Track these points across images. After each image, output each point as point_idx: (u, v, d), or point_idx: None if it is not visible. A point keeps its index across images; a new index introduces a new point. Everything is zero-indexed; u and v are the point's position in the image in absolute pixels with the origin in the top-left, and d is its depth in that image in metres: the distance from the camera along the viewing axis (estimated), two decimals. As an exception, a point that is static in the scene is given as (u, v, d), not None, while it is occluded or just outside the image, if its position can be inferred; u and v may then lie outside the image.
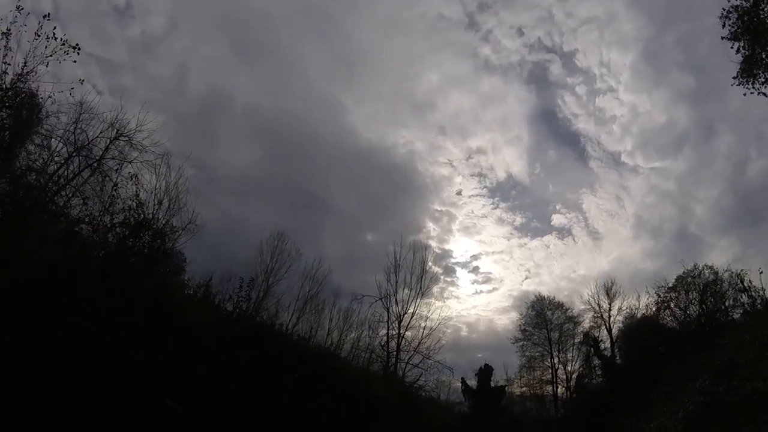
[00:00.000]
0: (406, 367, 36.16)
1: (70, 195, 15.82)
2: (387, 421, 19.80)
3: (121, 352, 13.01)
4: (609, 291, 46.36)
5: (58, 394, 11.52)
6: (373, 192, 73.37)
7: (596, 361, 47.41)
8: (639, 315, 37.51)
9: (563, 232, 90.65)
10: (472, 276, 79.83)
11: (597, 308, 46.96)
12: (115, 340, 13.06)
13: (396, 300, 37.61)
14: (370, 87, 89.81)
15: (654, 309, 33.04)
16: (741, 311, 26.36)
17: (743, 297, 27.13)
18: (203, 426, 13.56)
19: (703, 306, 28.79)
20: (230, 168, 52.83)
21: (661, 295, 31.75)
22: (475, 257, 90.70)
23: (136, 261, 15.41)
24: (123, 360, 12.96)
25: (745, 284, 27.03)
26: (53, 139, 16.13)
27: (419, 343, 36.73)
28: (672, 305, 30.86)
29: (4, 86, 14.41)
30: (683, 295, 30.42)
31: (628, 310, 42.48)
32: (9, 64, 14.65)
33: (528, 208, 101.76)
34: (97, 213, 15.91)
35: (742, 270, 27.99)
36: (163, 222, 17.10)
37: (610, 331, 45.53)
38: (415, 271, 38.89)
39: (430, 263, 41.57)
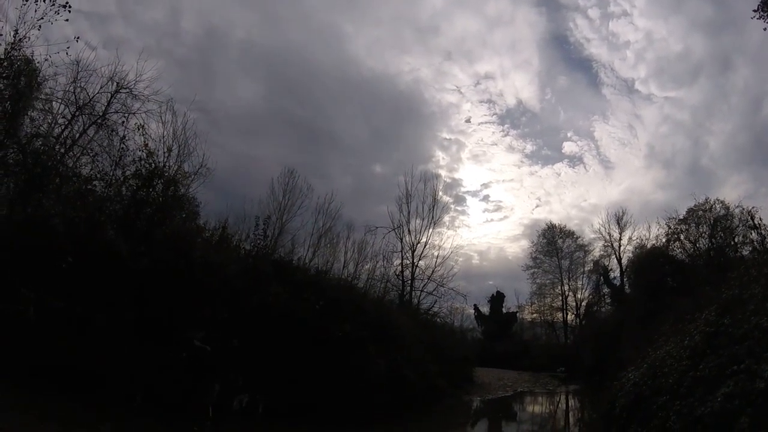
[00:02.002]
0: (420, 295, 37.09)
1: (79, 154, 16.18)
2: (406, 346, 20.45)
3: (147, 296, 14.06)
4: (620, 221, 46.98)
5: (90, 340, 12.60)
6: (379, 122, 72.55)
7: (606, 290, 47.88)
8: (649, 246, 37.60)
9: (574, 160, 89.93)
10: (483, 204, 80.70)
11: (607, 237, 47.26)
12: (140, 286, 14.10)
13: (409, 230, 38.88)
14: (371, 12, 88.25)
15: (664, 240, 32.75)
16: (750, 248, 26.13)
17: (753, 234, 26.90)
18: (232, 360, 14.41)
19: (713, 240, 28.53)
20: (233, 108, 52.73)
21: (672, 227, 31.46)
22: (485, 186, 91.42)
23: (152, 210, 15.66)
24: (150, 303, 14.01)
25: (756, 222, 26.82)
26: (54, 102, 16.55)
27: (432, 271, 37.75)
28: (682, 237, 30.55)
29: None
30: (693, 228, 30.13)
31: (638, 241, 42.52)
32: (1, 35, 14.95)
33: (539, 135, 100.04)
34: (108, 168, 16.27)
35: (753, 207, 27.62)
36: (175, 168, 17.52)
37: (620, 260, 46.38)
38: (427, 201, 39.95)
39: (440, 192, 41.97)
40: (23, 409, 9.87)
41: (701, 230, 29.67)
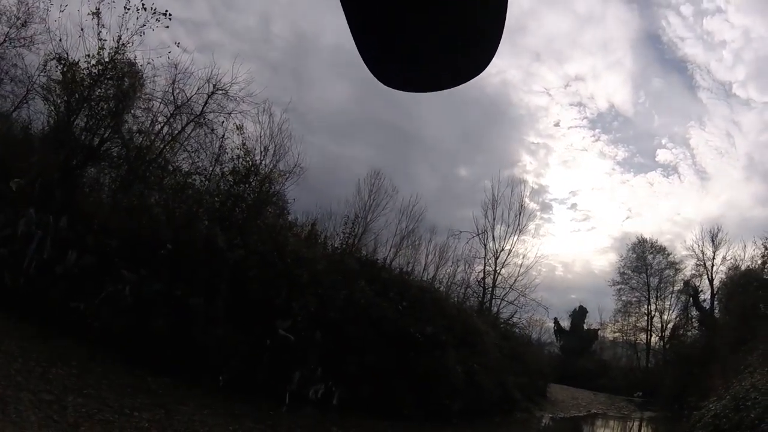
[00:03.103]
0: (500, 303, 36.35)
1: (178, 150, 17.16)
2: (484, 353, 20.38)
3: (240, 285, 14.68)
4: (714, 238, 42.84)
5: (183, 323, 13.58)
6: (465, 125, 71.56)
7: (694, 312, 44.70)
8: (743, 267, 34.37)
9: (668, 170, 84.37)
10: (570, 213, 77.06)
11: (700, 256, 43.67)
12: (234, 275, 14.77)
13: (493, 236, 37.58)
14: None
15: (759, 262, 30.16)
16: None
17: None
18: (313, 351, 15.11)
19: None
20: (324, 110, 53.31)
21: None
22: (573, 193, 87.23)
23: (247, 205, 16.30)
24: (242, 292, 14.70)
25: None
26: (155, 101, 17.72)
27: (515, 280, 36.76)
28: None
29: (103, 61, 15.60)
30: None
31: (732, 261, 39.71)
32: (105, 40, 16.67)
33: (631, 141, 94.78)
34: (206, 164, 17.04)
35: None
36: (270, 167, 18.06)
37: (711, 281, 41.66)
38: (513, 207, 38.41)
39: (527, 199, 40.77)
40: (114, 380, 10.68)
41: None
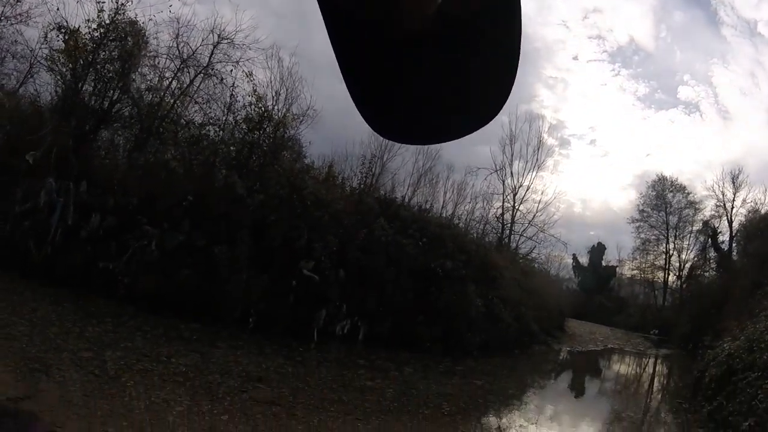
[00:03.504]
0: (519, 239, 36.31)
1: (189, 103, 17.36)
2: (503, 288, 20.64)
3: (262, 230, 15.01)
4: (735, 180, 41.97)
5: (209, 270, 14.14)
6: None
7: (712, 254, 44.30)
8: (763, 211, 34.14)
9: (690, 108, 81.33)
10: (590, 149, 75.14)
11: (720, 197, 42.89)
12: (256, 221, 15.10)
13: (511, 172, 37.10)
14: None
15: None
16: None
17: None
18: (337, 289, 15.62)
19: None
20: (331, 51, 52.40)
21: None
22: (592, 129, 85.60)
23: (263, 151, 16.42)
24: (265, 236, 15.06)
25: None
26: (161, 58, 17.75)
27: (534, 216, 36.58)
28: None
29: (104, 24, 15.76)
30: None
31: (752, 204, 39.14)
32: (103, 2, 16.66)
33: (652, 77, 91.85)
34: (220, 114, 17.09)
35: None
36: (283, 111, 18.11)
37: (730, 223, 40.78)
38: (531, 143, 37.72)
39: (545, 134, 40.05)
40: (147, 331, 11.07)
41: None
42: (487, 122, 0.57)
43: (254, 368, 10.44)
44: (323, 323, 15.03)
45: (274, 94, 18.48)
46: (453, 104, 0.52)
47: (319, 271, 15.31)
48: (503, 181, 36.72)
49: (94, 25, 16.21)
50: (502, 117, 43.03)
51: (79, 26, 16.16)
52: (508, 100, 0.57)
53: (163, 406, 7.12)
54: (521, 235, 36.37)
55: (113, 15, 16.42)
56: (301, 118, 19.14)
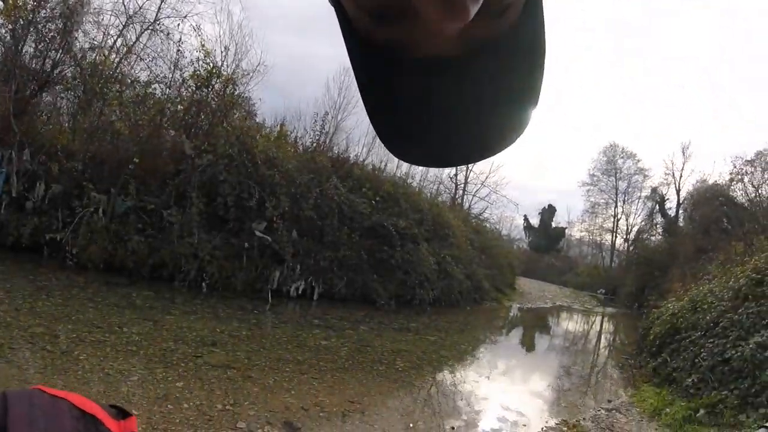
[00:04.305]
0: (472, 199, 36.93)
1: (134, 61, 16.76)
2: (456, 246, 21.07)
3: (212, 191, 14.95)
4: (684, 150, 43.93)
5: (159, 235, 14.08)
6: None
7: (659, 219, 45.97)
8: (711, 182, 35.57)
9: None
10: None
11: (669, 165, 44.75)
12: (206, 182, 14.97)
13: None
14: None
15: (727, 179, 30.94)
16: None
17: None
18: (291, 250, 15.70)
19: None
20: (287, 4, 50.78)
21: (737, 167, 29.53)
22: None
23: (212, 109, 16.09)
24: (215, 197, 15.01)
25: None
26: (106, 15, 16.96)
27: (486, 177, 37.14)
28: (746, 180, 28.72)
29: None
30: (759, 172, 28.24)
31: (700, 174, 40.32)
32: None
33: None
34: (166, 71, 16.63)
35: None
36: (233, 67, 17.72)
37: (678, 191, 43.56)
38: None
39: None
40: (99, 302, 11.07)
41: (766, 176, 28.16)
42: (507, 147, 0.53)
43: (208, 333, 10.43)
44: (277, 284, 15.14)
45: (223, 49, 18.12)
46: (473, 130, 0.50)
47: (272, 231, 15.29)
48: None
49: (35, -18, 15.38)
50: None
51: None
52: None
53: (117, 377, 7.11)
54: (474, 196, 36.96)
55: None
56: (251, 74, 18.83)
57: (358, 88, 0.48)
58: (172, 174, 14.65)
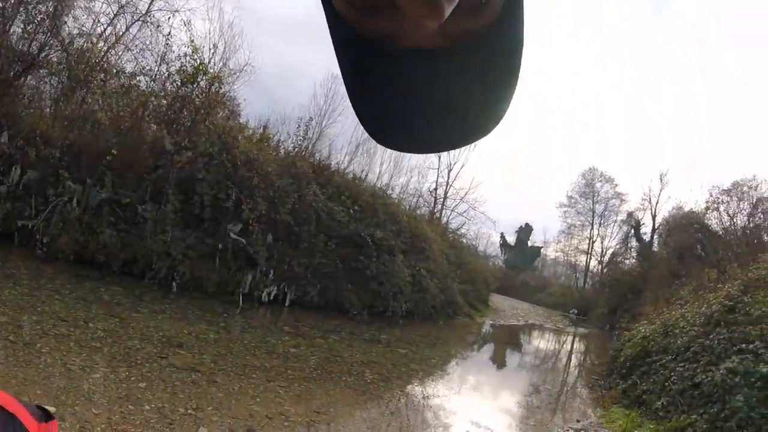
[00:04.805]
0: (450, 214, 37.33)
1: (122, 52, 16.59)
2: (432, 260, 21.13)
3: (190, 189, 14.75)
4: (662, 177, 44.93)
5: (132, 230, 13.92)
6: None
7: (634, 243, 46.91)
8: (686, 209, 36.11)
9: None
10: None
11: (646, 191, 45.75)
12: (184, 179, 14.81)
13: None
14: None
15: (703, 207, 31.29)
16: None
17: None
18: (265, 254, 15.60)
19: (751, 219, 27.17)
20: (278, 9, 50.76)
21: (713, 196, 29.65)
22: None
23: (196, 106, 15.96)
24: (192, 196, 14.82)
25: None
26: (97, 1, 16.69)
27: (466, 193, 37.55)
28: (721, 209, 28.90)
29: None
30: (735, 202, 28.47)
31: (677, 201, 41.10)
32: None
33: None
34: (153, 64, 16.50)
35: None
36: (220, 66, 17.66)
37: (654, 217, 44.77)
38: None
39: None
40: (66, 294, 10.87)
41: (742, 206, 28.32)
42: (484, 136, 0.57)
43: (175, 333, 10.31)
44: (249, 288, 15.00)
45: (211, 46, 18.08)
46: (452, 118, 0.52)
47: (247, 234, 15.18)
48: (439, 157, 37.80)
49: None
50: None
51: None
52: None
53: (79, 373, 6.98)
54: (452, 211, 37.32)
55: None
56: (238, 74, 18.77)
57: (341, 74, 0.50)
58: (150, 169, 14.46)
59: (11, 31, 15.11)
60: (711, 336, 10.53)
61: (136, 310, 11.24)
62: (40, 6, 15.35)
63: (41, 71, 15.87)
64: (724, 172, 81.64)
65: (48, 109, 15.56)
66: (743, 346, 9.52)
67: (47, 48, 15.54)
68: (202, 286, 14.11)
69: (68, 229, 12.88)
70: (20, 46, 15.20)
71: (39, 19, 15.24)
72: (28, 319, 8.63)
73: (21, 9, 15.02)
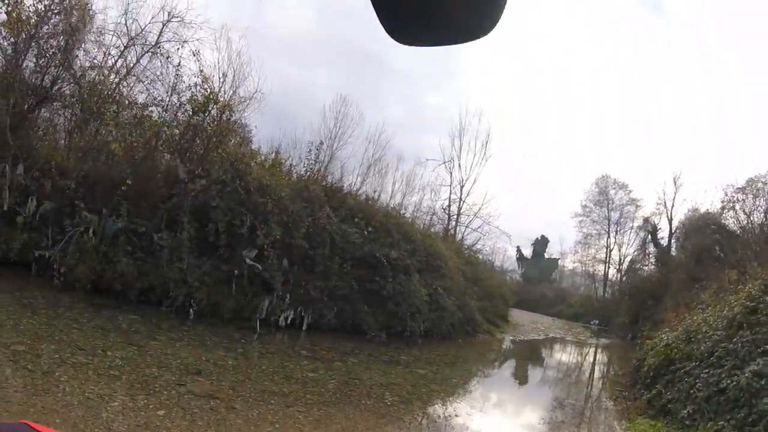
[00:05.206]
0: (465, 230, 37.22)
1: (133, 83, 16.93)
2: (448, 278, 21.18)
3: (205, 216, 14.87)
4: (676, 180, 44.33)
5: (149, 258, 14.00)
6: (437, 50, 69.39)
7: (652, 249, 46.30)
8: (702, 210, 35.27)
9: None
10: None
11: (661, 195, 45.16)
12: (198, 206, 14.90)
13: (459, 165, 38.35)
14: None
15: (718, 207, 30.65)
16: None
17: None
18: (281, 278, 15.65)
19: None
20: (286, 33, 51.19)
21: (728, 195, 29.01)
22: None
23: (208, 134, 16.17)
24: (207, 223, 14.88)
25: None
26: (107, 34, 17.22)
27: (480, 208, 37.49)
28: (737, 207, 28.33)
29: None
30: (751, 199, 27.84)
31: (692, 203, 40.60)
32: None
33: None
34: (164, 95, 16.75)
35: None
36: (230, 94, 17.98)
37: (670, 221, 43.62)
38: (480, 137, 38.78)
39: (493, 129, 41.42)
40: (84, 323, 10.95)
41: (758, 203, 27.70)
42: (488, 32, 0.64)
43: (193, 361, 10.34)
44: (266, 313, 15.00)
45: (221, 75, 18.25)
46: (465, 12, 0.60)
47: (263, 259, 15.22)
48: (451, 173, 37.71)
49: (39, -4, 15.41)
50: (453, 109, 43.41)
51: (24, -3, 15.40)
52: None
53: (98, 402, 7.00)
54: (467, 227, 37.18)
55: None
56: (248, 101, 18.97)
57: None
58: (165, 197, 14.59)
59: (24, 65, 15.39)
60: (734, 339, 10.32)
61: (154, 337, 11.29)
62: (52, 40, 15.64)
63: (55, 104, 16.12)
64: (738, 170, 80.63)
65: (62, 141, 15.78)
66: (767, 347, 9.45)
67: (60, 81, 15.80)
68: (219, 313, 14.11)
69: (85, 258, 12.98)
70: (33, 80, 15.45)
71: (51, 53, 15.54)
72: (47, 347, 8.68)
73: (33, 43, 15.29)
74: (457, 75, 66.53)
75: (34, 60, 15.54)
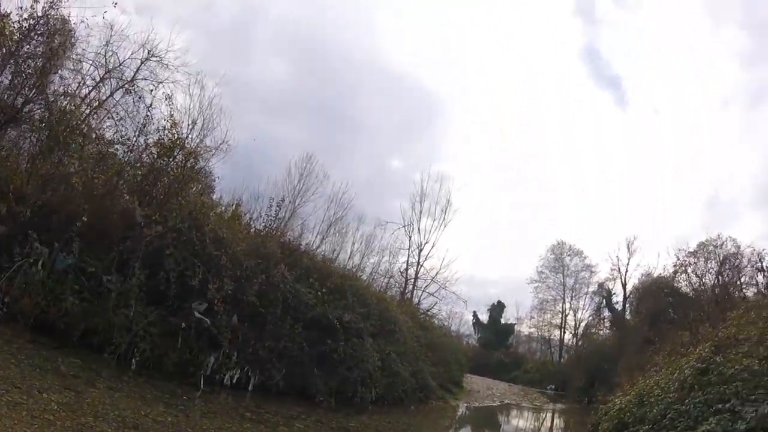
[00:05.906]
0: (421, 294, 37.57)
1: (103, 117, 16.74)
2: (402, 343, 21.12)
3: (157, 263, 14.49)
4: (630, 246, 46.46)
5: (96, 300, 13.45)
6: (404, 116, 70.72)
7: (606, 314, 47.77)
8: (656, 274, 37.29)
9: None
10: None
11: (615, 261, 46.71)
12: (151, 253, 14.50)
13: (419, 229, 39.30)
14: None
15: (671, 271, 32.37)
16: (755, 290, 24.96)
17: (759, 277, 26.62)
18: (229, 335, 15.29)
19: (719, 278, 27.72)
20: (259, 85, 52.00)
21: (680, 259, 30.73)
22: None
23: (170, 180, 16.07)
24: (159, 270, 14.49)
25: (764, 265, 26.60)
26: (85, 63, 17.27)
27: (437, 273, 37.95)
28: (689, 270, 29.88)
29: (35, 15, 15.23)
30: (702, 262, 29.63)
31: (645, 268, 42.03)
32: None
33: None
34: (131, 134, 16.68)
35: (764, 249, 26.25)
36: (197, 141, 17.94)
37: (624, 285, 46.31)
38: (440, 203, 40.32)
39: (454, 195, 42.30)
40: (23, 360, 10.40)
41: (709, 266, 29.21)
42: None
43: (131, 414, 9.95)
44: (212, 370, 14.52)
45: (190, 122, 18.26)
46: None
47: (212, 313, 14.83)
48: (410, 237, 38.20)
49: (25, 14, 15.10)
50: (416, 174, 44.46)
51: (11, 12, 15.02)
52: None
53: (30, 447, 6.77)
54: (424, 291, 37.38)
55: (47, 8, 15.48)
56: (214, 151, 18.99)
57: None
58: (119, 239, 14.09)
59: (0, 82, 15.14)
60: (686, 401, 10.53)
61: (93, 384, 10.74)
62: (30, 61, 15.38)
63: (23, 126, 15.66)
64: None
65: (24, 165, 15.29)
66: (719, 406, 9.52)
67: (31, 104, 15.46)
68: (163, 366, 13.51)
69: (31, 291, 12.21)
70: (5, 97, 15.11)
71: (27, 72, 15.24)
72: (-19, 383, 8.39)
73: (11, 60, 15.03)
74: (421, 140, 68.01)
75: (10, 77, 15.23)
